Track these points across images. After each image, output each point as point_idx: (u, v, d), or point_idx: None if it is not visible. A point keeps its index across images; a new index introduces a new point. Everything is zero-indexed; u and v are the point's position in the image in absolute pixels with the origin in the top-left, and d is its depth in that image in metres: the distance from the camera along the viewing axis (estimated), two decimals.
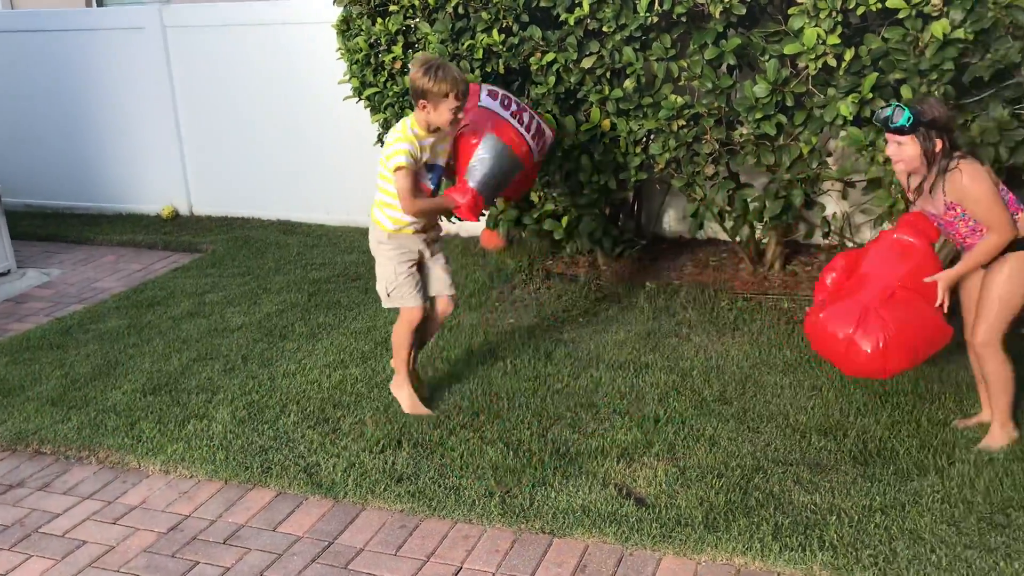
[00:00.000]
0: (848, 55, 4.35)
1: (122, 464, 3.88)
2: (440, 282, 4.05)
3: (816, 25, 4.34)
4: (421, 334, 4.12)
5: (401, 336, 4.02)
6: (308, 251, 6.50)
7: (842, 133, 4.51)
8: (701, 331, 4.79)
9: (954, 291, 3.59)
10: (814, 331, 3.61)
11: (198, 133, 7.40)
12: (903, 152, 3.40)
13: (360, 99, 5.55)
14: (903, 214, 3.74)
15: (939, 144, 3.35)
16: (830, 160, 4.90)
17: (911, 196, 3.58)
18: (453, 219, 4.31)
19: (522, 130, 4.06)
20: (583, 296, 5.34)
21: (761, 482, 3.43)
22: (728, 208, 5.14)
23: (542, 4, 4.89)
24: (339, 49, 5.62)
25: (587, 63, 4.86)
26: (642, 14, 4.65)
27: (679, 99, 4.77)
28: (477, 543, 3.24)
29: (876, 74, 4.35)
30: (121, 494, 3.68)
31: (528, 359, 4.55)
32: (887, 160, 4.26)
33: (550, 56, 4.89)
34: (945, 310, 3.50)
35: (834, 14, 4.29)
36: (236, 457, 3.81)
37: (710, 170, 4.89)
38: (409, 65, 3.88)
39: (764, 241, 5.42)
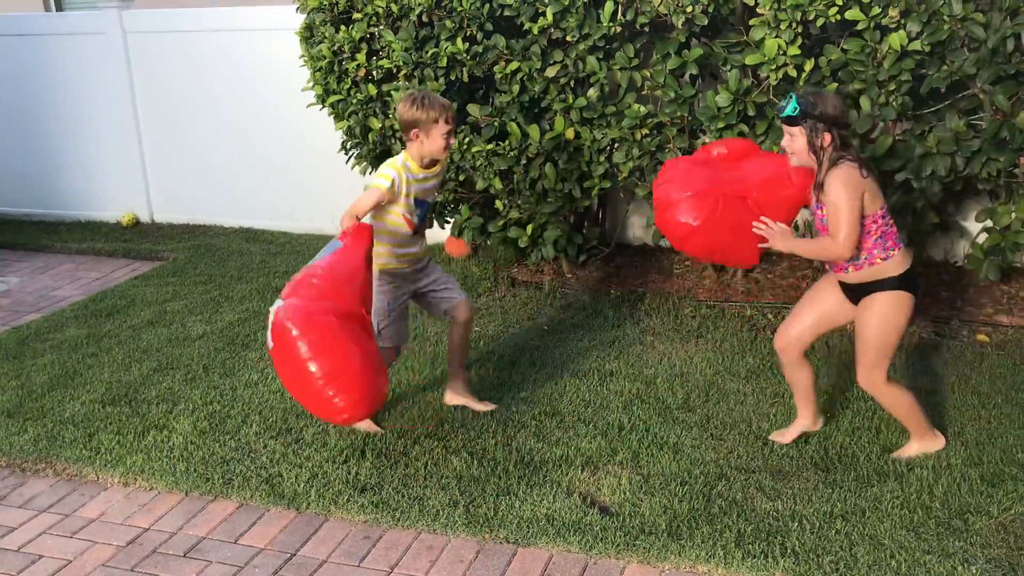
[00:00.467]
0: (808, 66, 4.41)
1: (80, 476, 3.82)
2: (447, 297, 3.99)
3: (777, 36, 4.39)
4: (456, 339, 4.05)
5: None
6: (271, 259, 6.45)
7: None
8: (665, 339, 4.82)
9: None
10: (667, 174, 3.61)
11: (159, 139, 7.31)
12: (794, 143, 3.32)
13: (323, 107, 5.52)
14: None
15: (827, 138, 3.25)
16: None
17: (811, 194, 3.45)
18: None
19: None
20: (548, 304, 5.35)
21: (724, 489, 3.46)
22: None
23: (506, 13, 4.91)
24: (302, 56, 5.59)
25: (551, 72, 4.88)
26: (605, 24, 4.67)
27: (642, 108, 4.81)
28: (441, 553, 3.22)
29: (836, 84, 4.41)
30: (79, 507, 3.62)
31: (492, 367, 4.54)
32: None
33: (514, 65, 4.90)
34: (760, 246, 3.49)
35: (794, 25, 4.35)
36: (197, 468, 3.76)
37: None
38: (396, 106, 3.89)
39: None
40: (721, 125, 4.61)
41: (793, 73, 4.41)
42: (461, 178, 5.22)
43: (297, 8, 5.55)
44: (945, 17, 4.17)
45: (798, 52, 4.36)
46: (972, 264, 4.74)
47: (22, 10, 9.69)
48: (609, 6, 4.65)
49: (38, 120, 7.53)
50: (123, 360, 4.84)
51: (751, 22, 4.51)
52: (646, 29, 4.74)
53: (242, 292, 5.78)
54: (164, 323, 5.33)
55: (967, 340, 4.65)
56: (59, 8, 10.60)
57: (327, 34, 5.27)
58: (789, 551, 3.09)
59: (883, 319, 3.36)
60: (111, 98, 7.27)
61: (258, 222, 7.20)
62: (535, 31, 4.83)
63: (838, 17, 4.27)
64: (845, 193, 3.22)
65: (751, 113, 4.57)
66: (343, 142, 5.68)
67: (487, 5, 4.88)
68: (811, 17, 4.30)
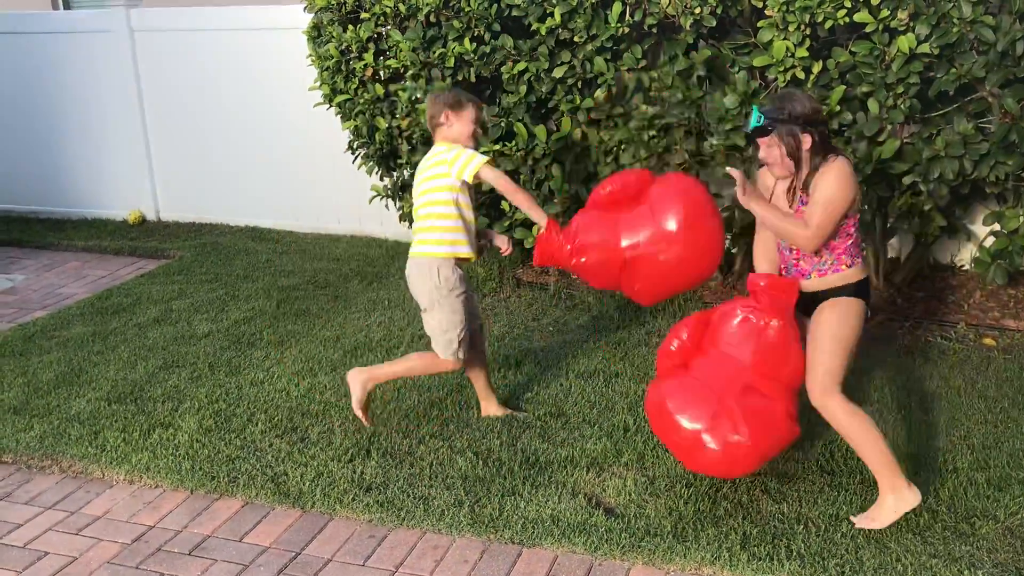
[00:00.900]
0: (816, 68, 4.41)
1: (86, 474, 3.83)
2: (476, 315, 3.97)
3: (785, 38, 4.39)
4: (477, 355, 3.98)
5: (418, 372, 3.98)
6: (277, 258, 6.45)
7: None
8: None
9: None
10: (658, 413, 3.30)
11: (166, 138, 7.32)
12: (770, 154, 3.13)
13: (331, 106, 5.53)
14: (751, 275, 3.31)
15: (807, 140, 3.07)
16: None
17: (787, 200, 3.24)
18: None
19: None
20: (553, 305, 5.35)
21: (729, 492, 3.45)
22: None
23: (514, 14, 4.91)
24: (310, 56, 5.59)
25: (558, 73, 4.88)
26: (613, 25, 4.67)
27: (650, 109, 4.80)
28: (446, 553, 3.22)
29: (843, 87, 4.40)
30: (84, 504, 3.63)
31: (498, 368, 4.54)
32: None
33: (522, 65, 4.90)
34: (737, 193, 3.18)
35: (803, 27, 4.34)
36: (202, 467, 3.76)
37: None
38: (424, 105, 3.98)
39: (734, 251, 5.45)
40: (729, 127, 4.60)
41: (801, 75, 4.41)
42: None
43: (305, 7, 5.56)
44: (954, 20, 4.16)
45: (806, 54, 4.36)
46: (979, 268, 4.72)
47: (29, 8, 9.71)
48: (617, 7, 4.65)
49: (45, 117, 7.55)
50: (129, 358, 4.84)
51: (759, 24, 4.50)
52: (654, 30, 4.74)
53: (248, 291, 5.79)
54: (170, 321, 5.34)
55: (973, 344, 4.64)
56: (66, 6, 10.61)
57: (335, 33, 5.28)
58: (795, 554, 3.08)
59: (842, 320, 3.15)
60: (118, 96, 7.28)
61: (264, 221, 7.20)
62: (543, 32, 4.83)
63: (847, 19, 4.27)
64: (840, 189, 3.06)
65: None
66: (350, 142, 5.68)
67: (495, 5, 4.88)
68: (819, 19, 4.29)
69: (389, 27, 5.16)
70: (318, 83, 5.50)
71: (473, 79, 5.00)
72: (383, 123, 5.23)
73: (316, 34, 5.54)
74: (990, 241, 4.88)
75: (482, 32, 4.94)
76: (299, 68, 6.10)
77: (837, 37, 4.52)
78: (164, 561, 3.26)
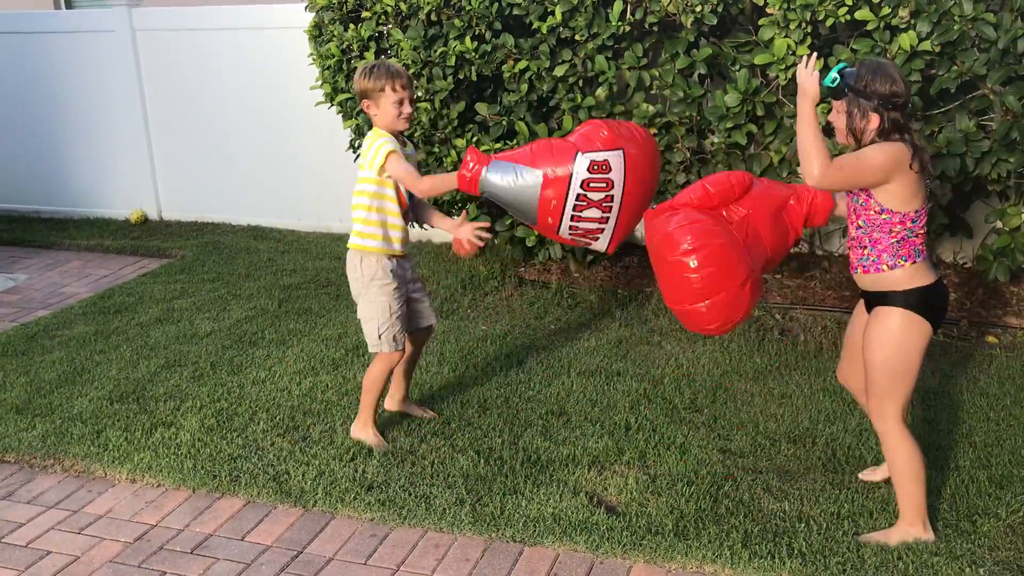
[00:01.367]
0: (818, 66, 4.39)
1: (88, 473, 3.83)
2: (426, 314, 3.95)
3: (786, 36, 4.38)
4: (408, 365, 4.03)
5: (378, 379, 3.82)
6: (279, 257, 6.46)
7: None
8: (672, 339, 4.81)
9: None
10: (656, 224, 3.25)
11: (168, 137, 7.33)
12: (837, 120, 2.90)
13: (332, 105, 5.53)
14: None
15: (874, 120, 2.80)
16: (800, 169, 4.93)
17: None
18: (425, 226, 4.19)
19: (566, 210, 3.43)
20: (555, 303, 5.35)
21: (731, 490, 3.45)
22: None
23: (515, 12, 4.90)
24: (311, 54, 5.59)
25: (560, 71, 4.88)
26: (614, 23, 4.67)
27: (651, 108, 4.80)
28: (448, 552, 3.23)
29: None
30: (87, 503, 3.63)
31: (500, 366, 4.54)
32: None
33: (523, 64, 4.90)
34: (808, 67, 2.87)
35: (804, 25, 4.33)
36: (204, 466, 3.77)
37: (681, 178, 4.91)
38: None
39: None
40: (730, 125, 4.60)
41: None
42: None
43: (306, 6, 5.56)
44: (956, 17, 4.15)
45: (807, 52, 4.35)
46: (981, 265, 4.72)
47: (32, 8, 9.73)
48: (618, 5, 4.65)
49: (47, 117, 7.56)
50: (131, 357, 4.85)
51: (760, 22, 4.50)
52: (655, 28, 4.73)
53: (250, 290, 5.79)
54: (172, 320, 5.35)
55: (976, 341, 4.64)
56: (68, 6, 10.62)
57: (336, 32, 5.28)
58: (796, 552, 3.08)
59: (888, 337, 2.93)
60: (120, 95, 7.29)
61: (266, 220, 7.21)
62: (544, 30, 4.82)
63: (848, 17, 4.26)
64: (881, 157, 2.76)
65: (760, 113, 4.56)
66: (351, 140, 5.68)
67: (496, 4, 4.88)
68: (820, 17, 4.29)
69: (390, 26, 5.16)
70: (319, 82, 5.50)
71: (474, 77, 5.00)
72: None
73: (317, 33, 5.54)
74: (992, 238, 4.87)
75: (483, 31, 4.94)
76: (300, 67, 6.10)
77: (838, 35, 4.51)
78: (166, 560, 3.27)
